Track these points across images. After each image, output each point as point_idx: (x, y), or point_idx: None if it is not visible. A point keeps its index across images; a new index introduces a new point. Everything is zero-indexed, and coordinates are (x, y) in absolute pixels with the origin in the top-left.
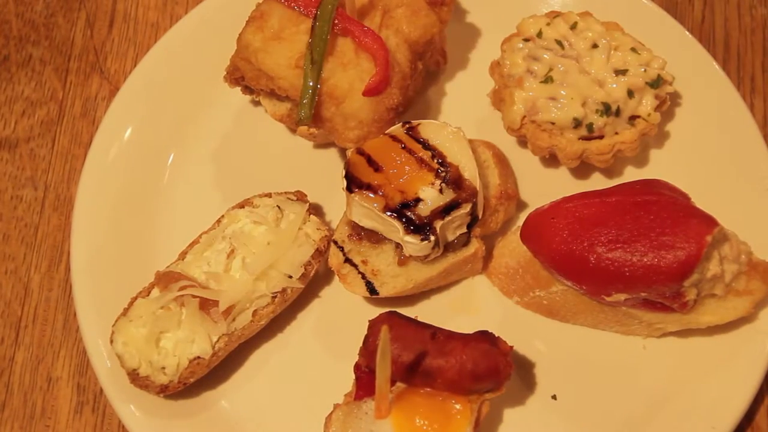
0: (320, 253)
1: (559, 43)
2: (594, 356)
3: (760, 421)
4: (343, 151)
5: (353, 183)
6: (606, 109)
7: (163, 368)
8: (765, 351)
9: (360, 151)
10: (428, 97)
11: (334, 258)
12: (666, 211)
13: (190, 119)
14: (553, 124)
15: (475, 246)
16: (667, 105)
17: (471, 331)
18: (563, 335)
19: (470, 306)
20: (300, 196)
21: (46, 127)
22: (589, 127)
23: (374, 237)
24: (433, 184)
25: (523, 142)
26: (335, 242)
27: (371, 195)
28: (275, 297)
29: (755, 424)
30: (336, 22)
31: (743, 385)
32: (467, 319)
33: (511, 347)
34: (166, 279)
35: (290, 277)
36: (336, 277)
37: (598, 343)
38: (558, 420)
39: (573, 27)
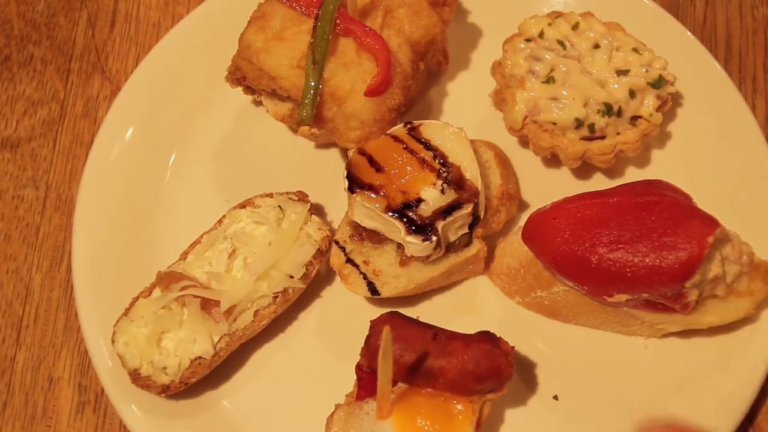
0: (321, 253)
1: (560, 43)
2: (596, 356)
3: (761, 422)
4: (344, 152)
5: (355, 183)
6: (608, 110)
7: (165, 368)
8: (766, 351)
9: (361, 152)
10: (430, 98)
11: (336, 258)
12: (668, 211)
13: (192, 119)
14: (554, 124)
15: (477, 246)
16: (669, 105)
17: (473, 332)
18: (565, 336)
19: (472, 307)
20: (301, 196)
21: (47, 126)
22: (591, 127)
23: (376, 237)
24: (434, 184)
25: (524, 142)
26: (337, 242)
27: (373, 195)
28: (277, 297)
29: (756, 424)
30: (338, 22)
31: (745, 385)
32: (469, 319)
33: (513, 347)
34: (167, 279)
35: (292, 277)
36: (337, 278)
37: (600, 343)
38: (560, 420)
39: (575, 27)
